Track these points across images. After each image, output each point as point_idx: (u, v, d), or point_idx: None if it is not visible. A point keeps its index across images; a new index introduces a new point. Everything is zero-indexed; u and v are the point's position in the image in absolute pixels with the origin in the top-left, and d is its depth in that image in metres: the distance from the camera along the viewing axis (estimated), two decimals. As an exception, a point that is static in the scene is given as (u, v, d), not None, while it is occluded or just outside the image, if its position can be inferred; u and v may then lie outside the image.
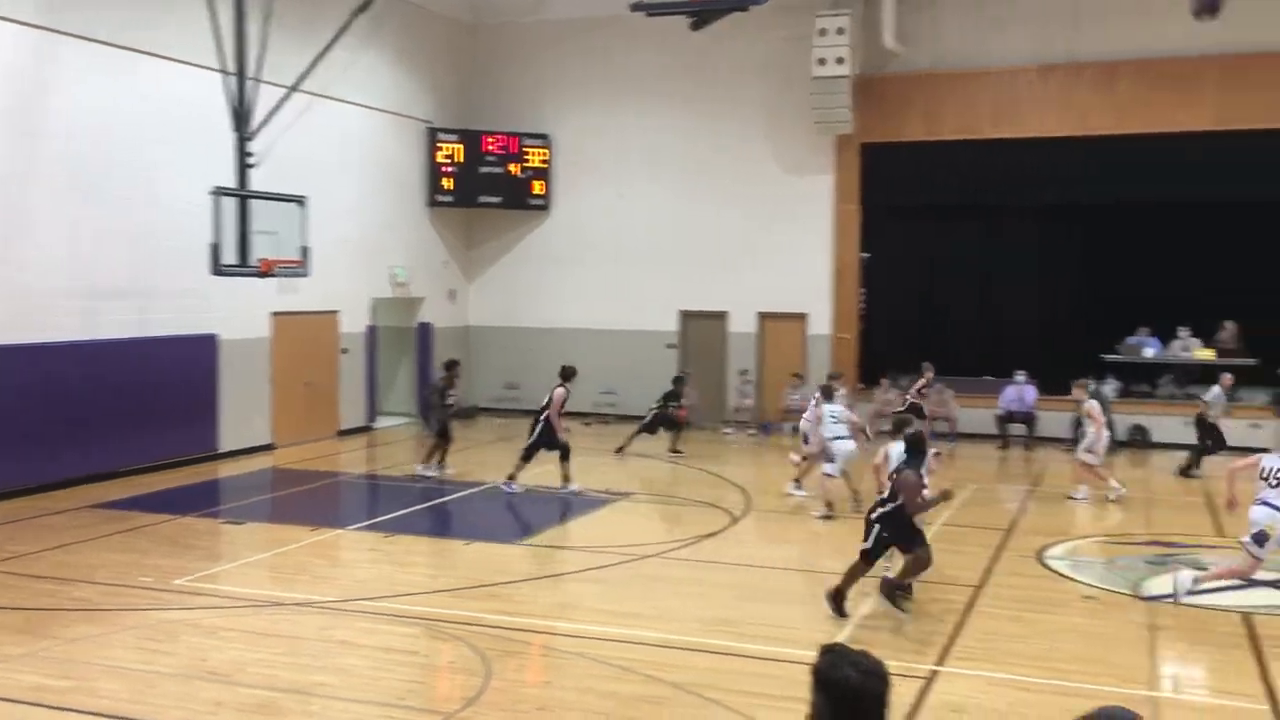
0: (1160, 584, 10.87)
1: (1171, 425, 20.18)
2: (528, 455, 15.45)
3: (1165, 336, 20.96)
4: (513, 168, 23.83)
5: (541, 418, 15.52)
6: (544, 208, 24.20)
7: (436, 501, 15.52)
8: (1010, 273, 22.06)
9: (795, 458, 15.89)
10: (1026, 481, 17.32)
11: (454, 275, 24.62)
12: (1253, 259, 20.48)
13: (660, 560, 11.92)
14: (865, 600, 10.18)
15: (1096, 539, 13.13)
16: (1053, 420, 20.33)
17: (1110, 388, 20.54)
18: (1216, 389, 17.84)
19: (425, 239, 23.61)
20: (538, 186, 24.06)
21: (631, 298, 23.54)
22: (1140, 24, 20.20)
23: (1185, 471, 17.54)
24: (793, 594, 11.07)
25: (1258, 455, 10.35)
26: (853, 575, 9.79)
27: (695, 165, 22.98)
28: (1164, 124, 20.04)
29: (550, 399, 15.54)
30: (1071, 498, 15.42)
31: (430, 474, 16.58)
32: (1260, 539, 9.72)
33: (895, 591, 9.72)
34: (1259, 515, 9.83)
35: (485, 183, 23.73)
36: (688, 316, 23.47)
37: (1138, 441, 20.30)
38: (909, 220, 22.39)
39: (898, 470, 9.77)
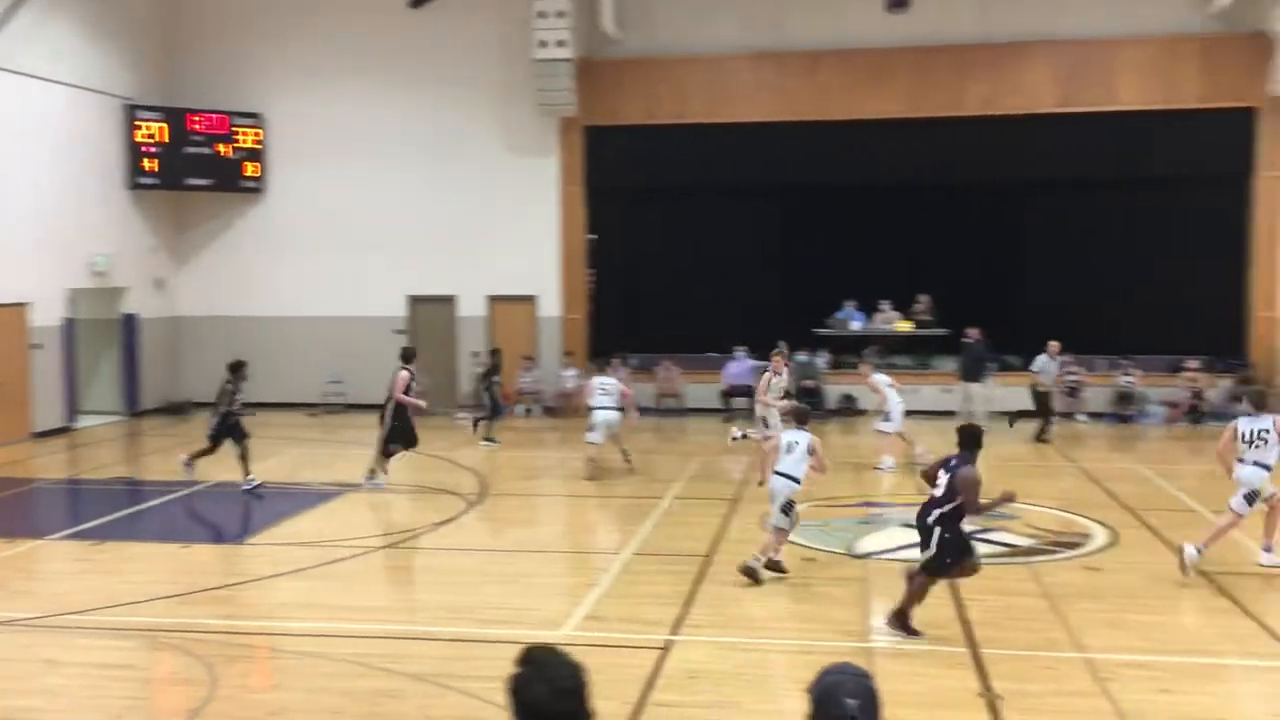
0: (872, 541, 11.64)
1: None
2: (386, 449, 14.96)
3: (869, 310, 22.40)
4: (223, 148, 22.58)
5: (388, 405, 15.00)
6: (259, 190, 23.11)
7: (150, 504, 14.56)
8: (728, 251, 22.93)
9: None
10: (749, 452, 18.07)
11: (162, 263, 23.13)
12: (942, 236, 22.29)
13: (394, 551, 11.69)
14: (603, 575, 10.36)
15: (813, 503, 13.89)
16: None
17: (822, 359, 21.79)
18: (1043, 357, 18.70)
19: (128, 225, 22.04)
20: (251, 168, 22.91)
21: (356, 283, 22.87)
22: (839, 16, 21.40)
23: (1039, 438, 18.48)
24: (531, 576, 11.11)
25: (1233, 423, 10.74)
26: (917, 593, 8.76)
27: (421, 147, 22.54)
28: (862, 111, 21.36)
29: (393, 382, 15.02)
30: (878, 469, 16.09)
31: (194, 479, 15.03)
32: (1251, 498, 10.31)
33: (902, 620, 8.77)
34: (1248, 475, 10.32)
35: (193, 164, 22.38)
36: (416, 301, 23.06)
37: (846, 410, 21.62)
38: (632, 202, 22.86)
39: (954, 466, 8.67)
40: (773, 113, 21.66)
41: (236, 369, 15.28)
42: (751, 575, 10.08)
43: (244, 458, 14.72)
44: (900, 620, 8.69)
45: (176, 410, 22.85)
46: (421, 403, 15.50)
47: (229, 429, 14.79)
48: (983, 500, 8.58)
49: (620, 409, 15.36)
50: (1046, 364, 18.71)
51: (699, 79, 21.91)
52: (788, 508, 10.24)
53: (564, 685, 2.93)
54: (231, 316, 23.31)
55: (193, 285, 23.61)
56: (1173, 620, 9.21)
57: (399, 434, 15.03)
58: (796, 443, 10.31)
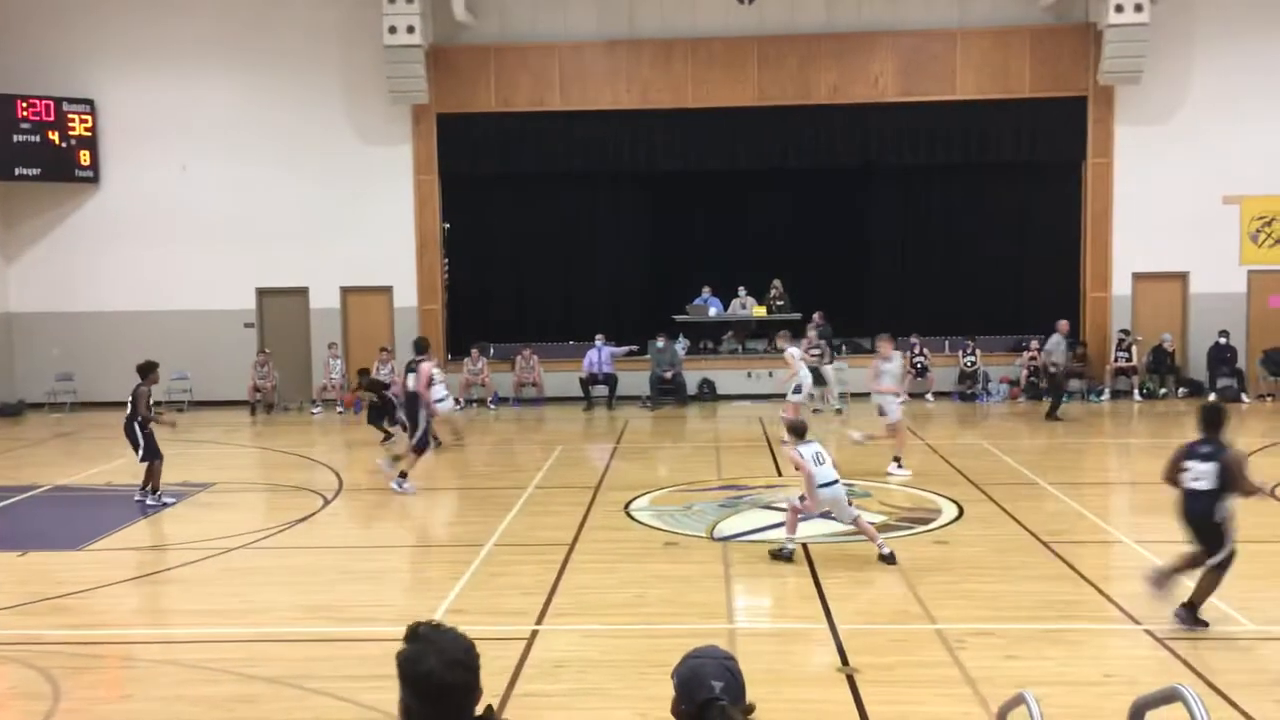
0: (733, 524, 11.83)
1: (735, 379, 22.02)
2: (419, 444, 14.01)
3: (725, 297, 22.73)
4: (53, 135, 21.49)
5: (407, 402, 14.48)
6: (94, 180, 22.07)
7: (-18, 511, 13.81)
8: (586, 239, 22.97)
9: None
10: (611, 439, 18.18)
11: (-12, 257, 21.92)
12: (793, 222, 22.85)
13: (248, 551, 11.35)
14: (465, 568, 10.28)
15: (674, 488, 14.04)
16: (629, 381, 21.48)
17: (681, 345, 22.03)
18: (1055, 337, 19.07)
19: (-51, 216, 20.81)
20: (84, 157, 21.87)
21: (201, 276, 22.06)
22: (692, 5, 21.61)
23: (1049, 416, 18.81)
24: (392, 571, 10.95)
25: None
26: (1210, 589, 8.24)
27: (269, 135, 21.86)
28: (715, 99, 21.62)
29: (419, 376, 14.23)
30: (784, 442, 16.06)
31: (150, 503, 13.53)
32: None
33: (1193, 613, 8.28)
34: None
35: (21, 152, 21.23)
36: (265, 294, 22.39)
37: (705, 395, 21.91)
38: (488, 190, 22.66)
39: (1212, 453, 8.13)
40: (629, 101, 21.73)
41: (148, 371, 13.77)
42: (783, 557, 10.24)
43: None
44: (1191, 613, 8.26)
45: (9, 412, 21.72)
46: (445, 406, 15.05)
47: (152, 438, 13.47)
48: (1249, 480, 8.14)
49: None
50: (1058, 344, 19.09)
51: (553, 66, 21.81)
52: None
53: (455, 656, 2.88)
54: (68, 313, 22.24)
55: (25, 280, 22.41)
56: (1016, 589, 9.62)
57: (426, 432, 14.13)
58: (822, 453, 10.42)
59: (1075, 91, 21.40)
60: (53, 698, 7.48)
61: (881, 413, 14.66)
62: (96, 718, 7.24)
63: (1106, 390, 21.30)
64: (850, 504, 10.54)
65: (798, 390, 16.60)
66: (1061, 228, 21.96)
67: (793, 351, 17.05)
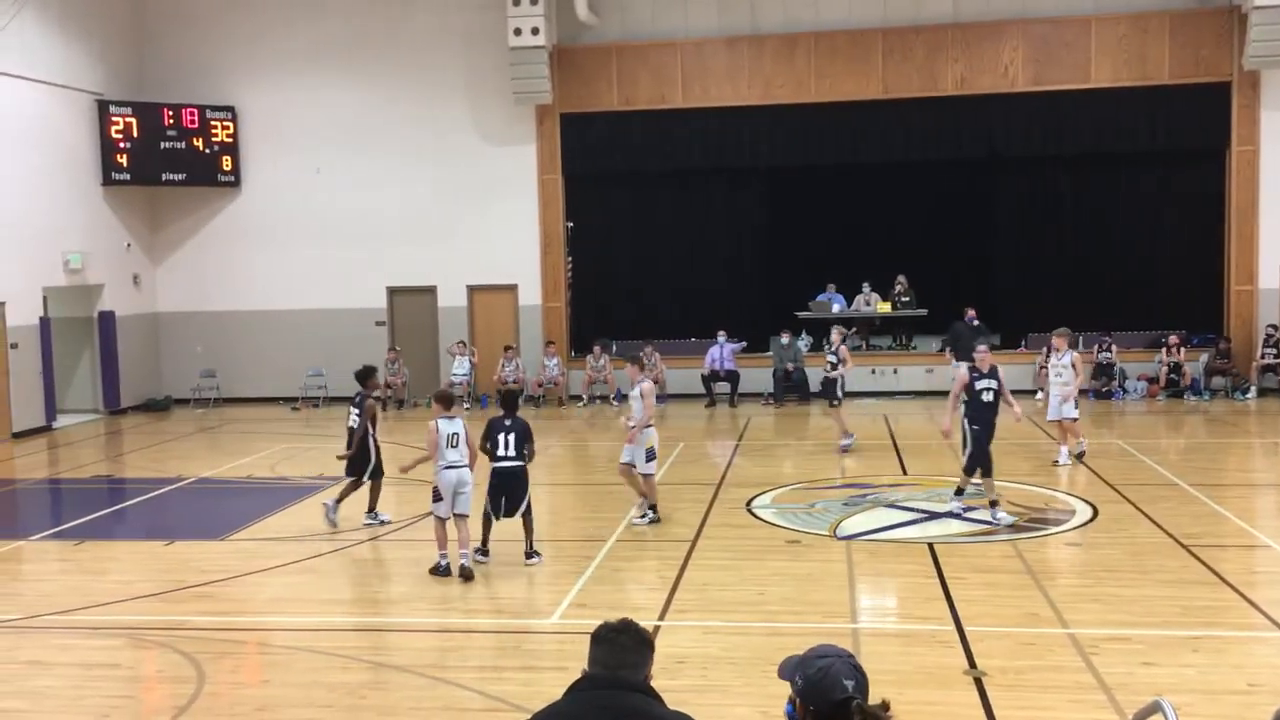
0: (856, 523, 11.69)
1: (859, 375, 21.69)
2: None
3: (849, 293, 22.44)
4: (197, 142, 22.43)
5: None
6: (235, 184, 22.96)
7: (130, 503, 14.53)
8: (707, 236, 22.93)
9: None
10: (733, 437, 18.12)
11: (138, 259, 22.97)
12: (919, 217, 22.45)
13: (375, 544, 11.67)
14: (589, 563, 10.38)
15: (798, 486, 13.94)
16: (752, 377, 21.38)
17: (803, 343, 21.84)
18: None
19: (102, 221, 21.87)
20: (226, 162, 22.76)
21: (335, 275, 22.76)
22: (814, -2, 21.43)
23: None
24: (514, 565, 11.11)
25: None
26: None
27: (397, 137, 22.43)
28: (839, 93, 21.36)
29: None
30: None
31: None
32: None
33: None
34: None
35: (167, 159, 22.22)
36: (395, 292, 22.98)
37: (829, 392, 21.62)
38: (610, 188, 22.83)
39: None
40: (750, 96, 21.63)
41: (368, 376, 12.76)
42: None
43: (376, 489, 12.55)
44: None
45: (156, 407, 22.76)
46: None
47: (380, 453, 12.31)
48: None
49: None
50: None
51: (675, 64, 21.85)
52: None
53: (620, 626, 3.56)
54: (210, 312, 23.21)
55: (170, 281, 23.46)
56: (1153, 593, 9.29)
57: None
58: None
59: (1218, 77, 20.51)
60: (197, 681, 7.82)
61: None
62: (238, 701, 7.54)
63: (1253, 388, 20.36)
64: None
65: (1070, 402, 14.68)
66: (1202, 219, 21.07)
67: (1072, 356, 14.83)
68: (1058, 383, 14.64)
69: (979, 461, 11.75)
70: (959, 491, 12.31)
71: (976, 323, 20.20)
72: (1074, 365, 14.54)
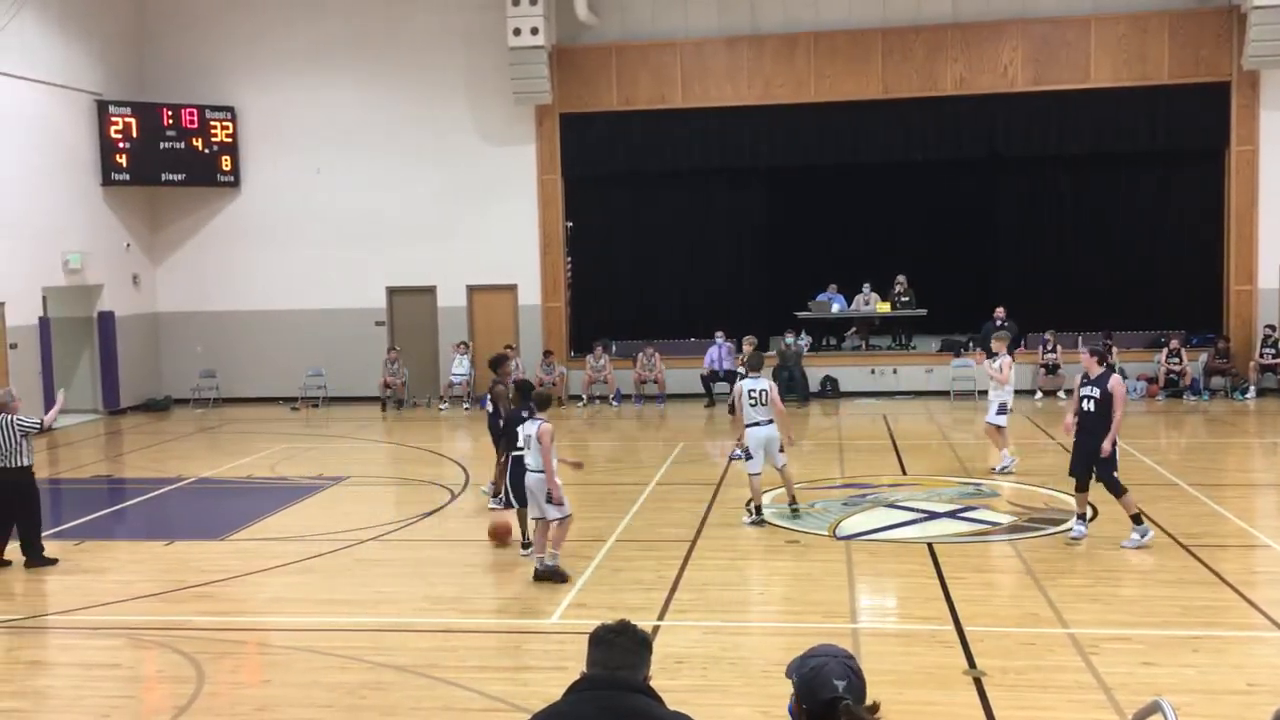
0: (855, 523, 11.69)
1: (858, 375, 21.74)
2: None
3: (849, 293, 22.44)
4: (197, 142, 22.43)
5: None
6: (234, 184, 22.96)
7: (130, 503, 14.52)
8: (707, 236, 22.93)
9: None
10: (732, 437, 18.07)
11: (137, 259, 22.97)
12: (917, 216, 22.44)
13: (378, 544, 11.67)
14: (587, 564, 10.38)
15: (797, 486, 13.90)
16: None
17: (803, 342, 21.85)
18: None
19: (102, 221, 21.87)
20: (226, 162, 22.77)
21: (335, 275, 22.76)
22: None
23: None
24: (514, 565, 11.11)
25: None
26: None
27: (397, 138, 22.43)
28: (838, 93, 21.37)
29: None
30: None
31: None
32: None
33: None
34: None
35: (167, 159, 22.23)
36: (395, 292, 22.98)
37: (828, 392, 21.68)
38: (610, 188, 22.84)
39: None
40: (750, 96, 21.64)
41: (500, 364, 12.62)
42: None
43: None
44: None
45: (156, 407, 22.76)
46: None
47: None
48: None
49: None
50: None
51: (675, 64, 21.85)
52: None
53: (617, 626, 3.57)
54: (210, 312, 23.21)
55: (170, 281, 23.47)
56: (1153, 593, 9.29)
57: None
58: None
59: (1217, 77, 20.52)
60: (197, 681, 7.82)
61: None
62: (238, 701, 7.54)
63: (1252, 388, 20.36)
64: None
65: (1002, 410, 14.02)
66: (1201, 219, 21.08)
67: (1004, 361, 14.12)
68: (990, 386, 14.26)
69: (1071, 470, 10.85)
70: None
71: (1002, 322, 20.12)
72: (1002, 369, 13.85)
